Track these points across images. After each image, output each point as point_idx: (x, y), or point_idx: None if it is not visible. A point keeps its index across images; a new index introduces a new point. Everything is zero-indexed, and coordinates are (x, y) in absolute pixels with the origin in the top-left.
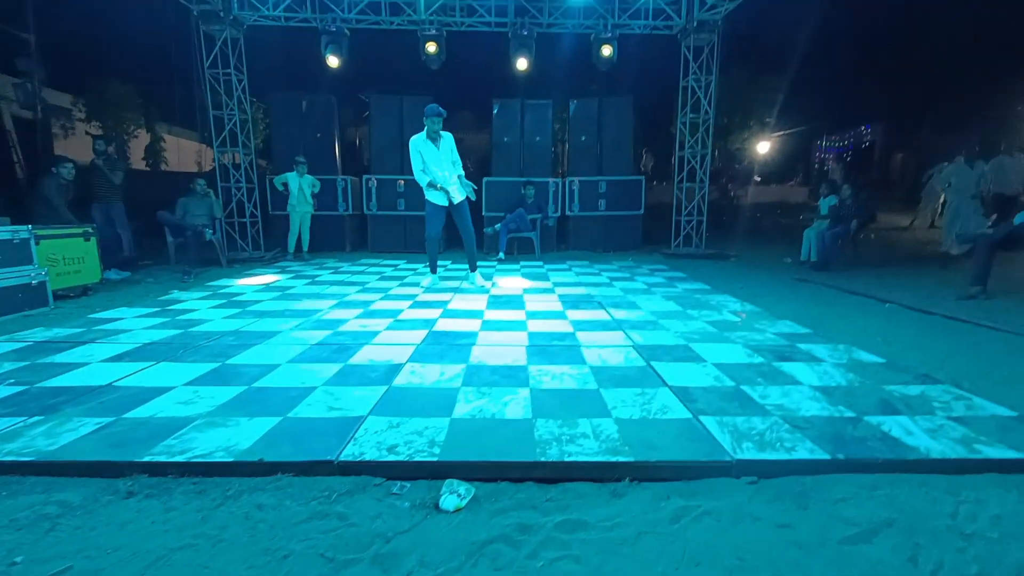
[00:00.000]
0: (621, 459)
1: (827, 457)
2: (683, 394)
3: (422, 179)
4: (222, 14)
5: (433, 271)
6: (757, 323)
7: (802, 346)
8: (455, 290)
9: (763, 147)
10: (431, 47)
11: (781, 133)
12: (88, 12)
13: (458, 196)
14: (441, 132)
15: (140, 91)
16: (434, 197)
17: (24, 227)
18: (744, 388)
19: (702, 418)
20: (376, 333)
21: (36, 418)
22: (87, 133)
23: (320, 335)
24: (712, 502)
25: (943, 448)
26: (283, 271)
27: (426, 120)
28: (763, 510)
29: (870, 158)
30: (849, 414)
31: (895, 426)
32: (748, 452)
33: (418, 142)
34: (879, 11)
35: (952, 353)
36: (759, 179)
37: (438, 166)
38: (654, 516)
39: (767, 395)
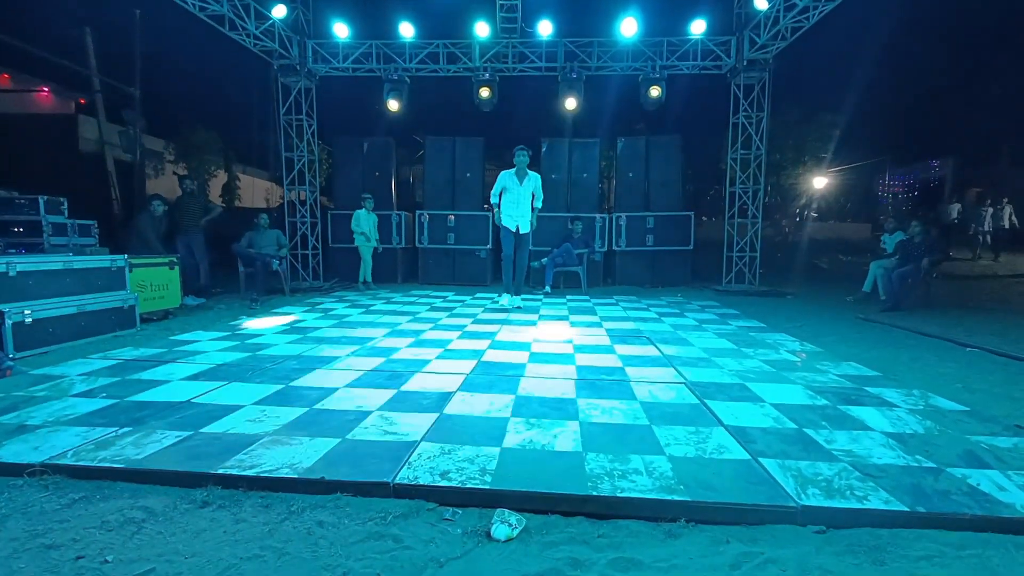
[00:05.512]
0: (676, 498)
1: (905, 509)
2: (740, 434)
3: (495, 199)
4: (298, 67)
5: (507, 290)
6: (819, 363)
7: (871, 389)
8: (503, 322)
9: (820, 182)
10: (484, 92)
11: (839, 168)
12: (184, 69)
13: (524, 227)
14: (528, 171)
15: (221, 135)
16: (506, 222)
17: (120, 256)
18: (807, 431)
19: (762, 460)
20: (427, 362)
21: (126, 429)
22: (174, 173)
23: (375, 362)
24: (776, 550)
25: None
26: (340, 300)
27: (514, 159)
28: (833, 563)
29: (939, 194)
30: (928, 464)
31: (984, 480)
32: (814, 499)
33: (505, 176)
34: (939, 45)
35: None
36: (816, 215)
37: (515, 200)
38: (713, 560)
39: (833, 439)
